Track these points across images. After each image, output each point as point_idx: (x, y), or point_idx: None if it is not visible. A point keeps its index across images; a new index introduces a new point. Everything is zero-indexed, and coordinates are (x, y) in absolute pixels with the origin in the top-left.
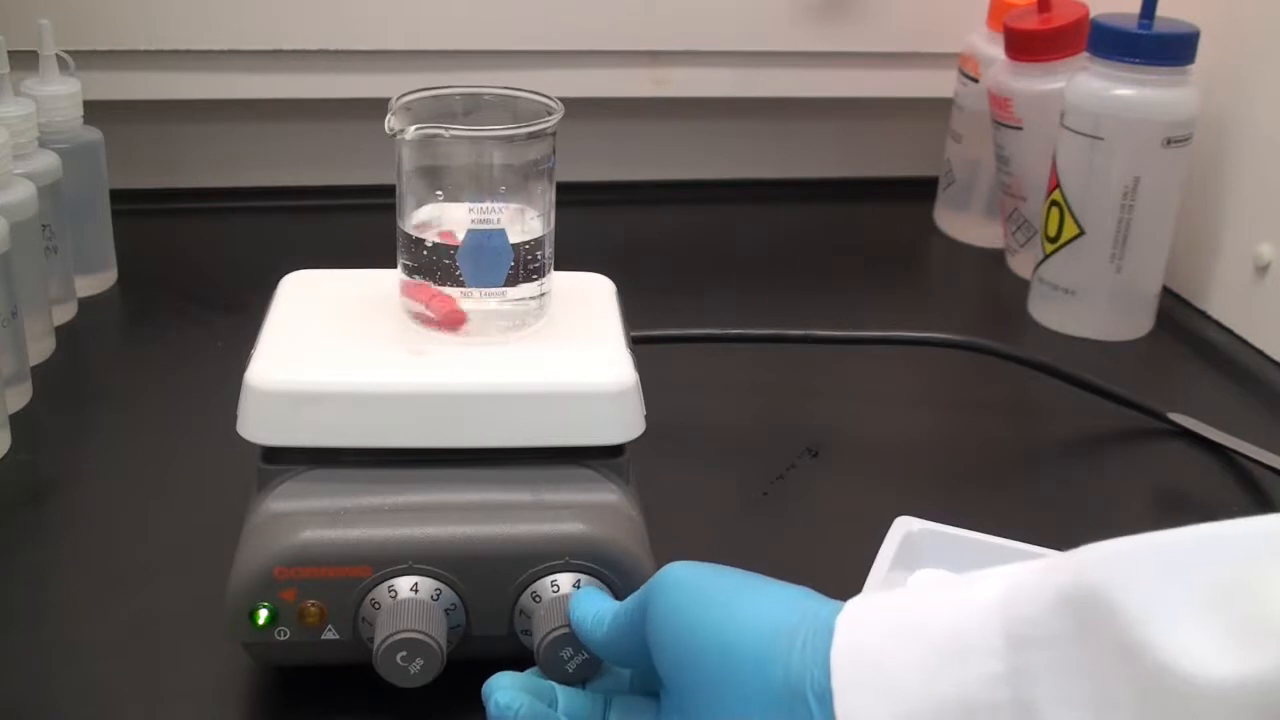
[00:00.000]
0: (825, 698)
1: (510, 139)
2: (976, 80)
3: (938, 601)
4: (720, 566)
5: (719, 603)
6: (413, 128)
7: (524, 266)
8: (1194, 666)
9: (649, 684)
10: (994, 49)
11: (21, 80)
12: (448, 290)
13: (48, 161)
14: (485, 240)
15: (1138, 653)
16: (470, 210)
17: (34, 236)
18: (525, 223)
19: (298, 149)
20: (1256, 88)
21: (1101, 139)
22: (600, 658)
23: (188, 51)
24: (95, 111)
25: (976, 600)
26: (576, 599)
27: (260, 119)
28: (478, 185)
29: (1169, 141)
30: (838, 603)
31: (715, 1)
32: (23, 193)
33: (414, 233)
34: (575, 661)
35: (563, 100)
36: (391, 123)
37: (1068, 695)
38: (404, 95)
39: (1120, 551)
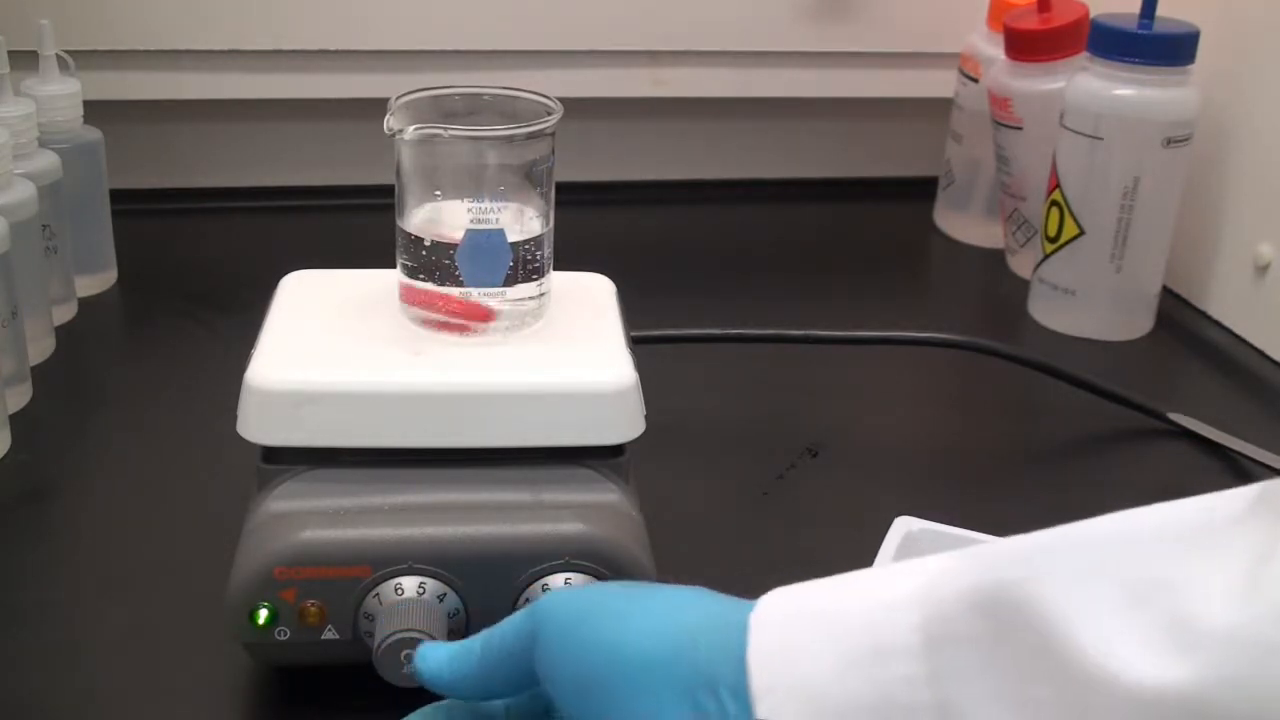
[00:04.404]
0: (739, 693)
1: (509, 139)
2: (976, 80)
3: (855, 596)
4: (607, 584)
5: (612, 615)
6: (412, 128)
7: (523, 266)
8: (1118, 669)
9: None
10: (994, 49)
11: (21, 80)
12: (447, 290)
13: (48, 161)
14: (484, 240)
15: (1060, 653)
16: (469, 210)
17: (34, 236)
18: (524, 222)
19: (298, 149)
20: (1256, 88)
21: (1101, 139)
22: (469, 697)
23: (188, 51)
24: (95, 111)
25: (895, 595)
26: (421, 656)
27: (260, 119)
28: (477, 185)
29: (1169, 141)
30: (737, 600)
31: (715, 1)
32: (23, 193)
33: (413, 232)
34: None
35: (563, 100)
36: (391, 123)
37: (990, 695)
38: (403, 95)
39: (1039, 547)
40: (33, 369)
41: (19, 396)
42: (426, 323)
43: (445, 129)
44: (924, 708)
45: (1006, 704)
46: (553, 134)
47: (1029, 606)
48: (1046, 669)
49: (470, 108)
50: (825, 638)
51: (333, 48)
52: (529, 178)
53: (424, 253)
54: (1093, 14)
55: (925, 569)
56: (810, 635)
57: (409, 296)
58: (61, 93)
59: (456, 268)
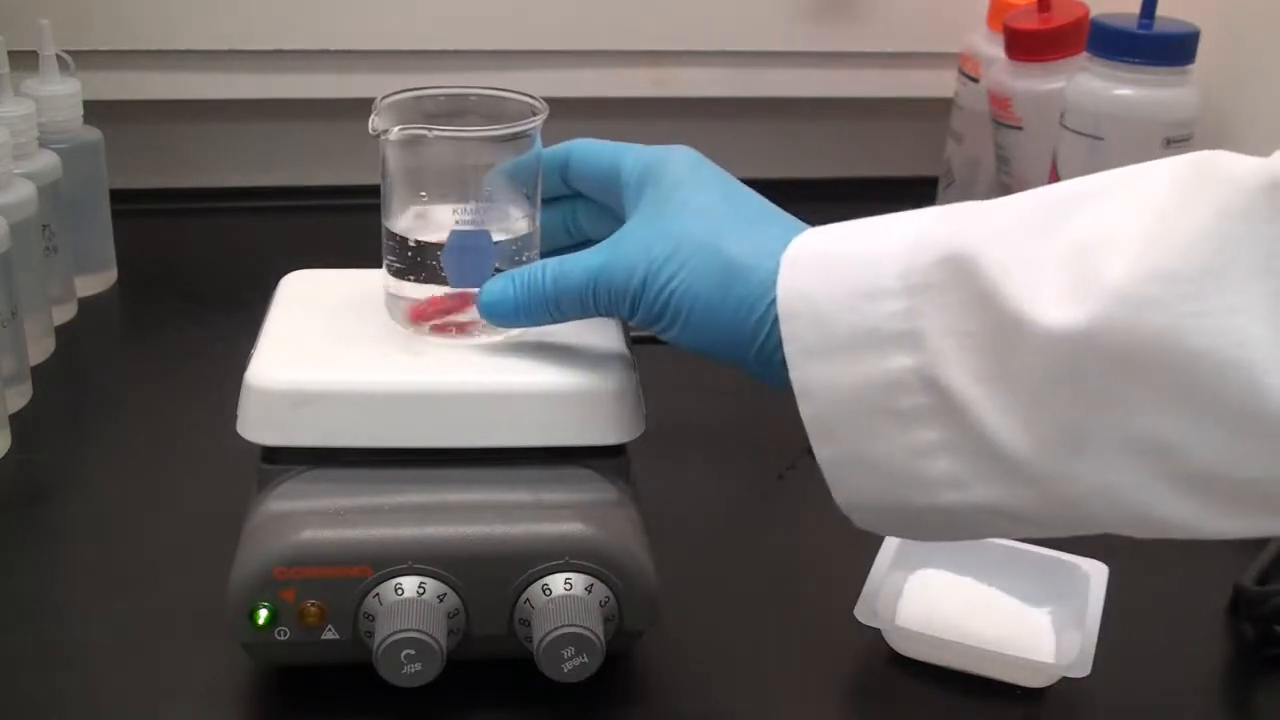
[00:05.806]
0: (771, 313)
1: (494, 140)
2: (976, 80)
3: (861, 245)
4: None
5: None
6: (396, 128)
7: (509, 267)
8: (1032, 315)
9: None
10: (994, 49)
11: (21, 80)
12: (438, 289)
13: (48, 161)
14: (469, 240)
15: (995, 300)
16: (454, 210)
17: (34, 236)
18: (510, 223)
19: (298, 149)
20: (1256, 88)
21: (1101, 139)
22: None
23: (188, 51)
24: (95, 111)
25: (888, 249)
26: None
27: (260, 119)
28: (462, 185)
29: (1169, 141)
30: (782, 227)
31: (715, 1)
32: (23, 193)
33: (399, 233)
34: (574, 662)
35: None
36: (375, 123)
37: (941, 329)
38: (388, 95)
39: (998, 213)
40: (33, 369)
41: (19, 396)
42: (414, 323)
43: (430, 130)
44: (899, 335)
45: (953, 336)
46: (539, 134)
47: (979, 264)
48: (984, 312)
49: (456, 108)
50: (835, 280)
51: (332, 48)
52: (515, 178)
53: (410, 254)
54: (1093, 14)
55: (912, 228)
56: (824, 278)
57: (414, 317)
58: (61, 93)
59: (442, 269)
